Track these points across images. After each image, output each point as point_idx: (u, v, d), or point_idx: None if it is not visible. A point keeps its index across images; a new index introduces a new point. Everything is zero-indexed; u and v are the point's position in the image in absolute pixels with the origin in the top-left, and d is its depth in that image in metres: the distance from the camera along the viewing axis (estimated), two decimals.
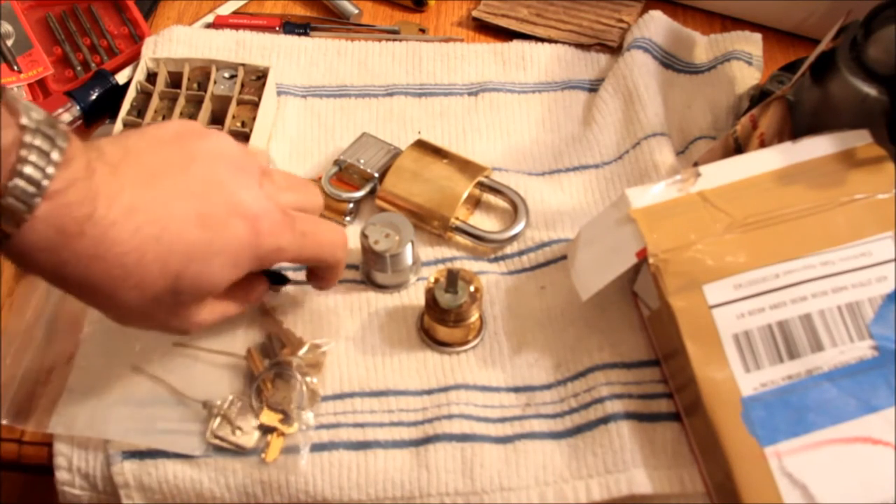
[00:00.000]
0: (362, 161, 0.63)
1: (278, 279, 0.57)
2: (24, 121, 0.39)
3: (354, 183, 0.63)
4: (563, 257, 0.60)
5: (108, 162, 0.43)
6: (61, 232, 0.40)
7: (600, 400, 0.53)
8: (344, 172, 0.63)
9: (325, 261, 0.53)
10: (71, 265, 0.42)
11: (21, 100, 0.40)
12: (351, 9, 0.76)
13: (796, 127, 0.58)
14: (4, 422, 0.54)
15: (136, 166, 0.44)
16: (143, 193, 0.44)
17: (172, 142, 0.47)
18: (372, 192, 0.63)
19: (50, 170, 0.39)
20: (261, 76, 0.66)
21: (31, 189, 0.39)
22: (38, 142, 0.39)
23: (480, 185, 0.63)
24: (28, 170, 0.39)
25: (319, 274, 0.55)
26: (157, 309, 0.46)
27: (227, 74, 0.67)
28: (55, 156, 0.39)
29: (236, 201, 0.46)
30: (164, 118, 0.65)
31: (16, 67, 0.69)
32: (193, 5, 0.77)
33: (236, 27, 0.74)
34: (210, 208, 0.46)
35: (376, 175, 0.63)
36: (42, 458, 0.54)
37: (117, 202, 0.42)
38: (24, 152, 0.39)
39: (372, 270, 0.59)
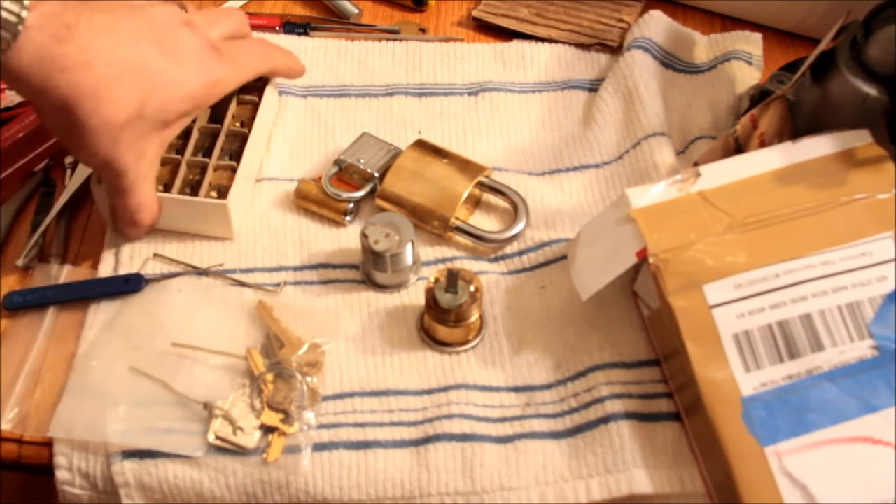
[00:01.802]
0: (362, 161, 0.63)
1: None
2: None
3: (354, 183, 0.63)
4: (563, 257, 0.60)
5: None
6: (54, 37, 0.47)
7: (600, 400, 0.53)
8: (344, 172, 0.63)
9: (266, 73, 0.63)
10: (64, 73, 0.48)
11: None
12: (351, 9, 0.76)
13: (796, 127, 0.58)
14: (5, 426, 0.54)
15: (101, 5, 0.52)
16: (115, 22, 0.51)
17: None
18: (372, 192, 0.63)
19: None
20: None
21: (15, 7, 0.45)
22: None
23: (480, 184, 0.63)
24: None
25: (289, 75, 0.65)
26: (124, 132, 0.52)
27: None
28: None
29: (183, 39, 0.55)
30: None
31: None
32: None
33: None
34: (168, 42, 0.54)
35: (376, 175, 0.63)
36: (42, 458, 0.54)
37: (96, 20, 0.50)
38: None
39: (372, 270, 0.59)
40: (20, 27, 0.45)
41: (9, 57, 0.46)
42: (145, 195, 0.57)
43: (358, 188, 0.63)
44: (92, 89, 0.50)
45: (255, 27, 0.74)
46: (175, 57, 0.54)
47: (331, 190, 0.62)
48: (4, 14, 0.45)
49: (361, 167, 0.63)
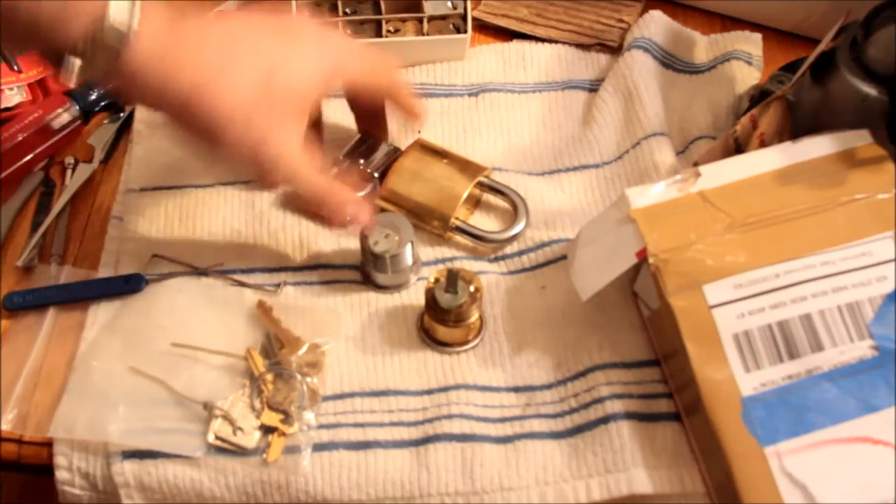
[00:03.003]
0: (362, 161, 0.63)
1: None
2: None
3: (355, 183, 0.63)
4: (563, 257, 0.60)
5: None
6: (166, 36, 0.47)
7: (600, 400, 0.53)
8: (344, 173, 0.63)
9: (390, 75, 0.59)
10: (180, 72, 0.47)
11: None
12: None
13: (796, 127, 0.58)
14: (5, 427, 0.54)
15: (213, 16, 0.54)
16: (222, 18, 0.52)
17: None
18: (372, 193, 0.63)
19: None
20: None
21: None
22: None
23: (480, 184, 0.63)
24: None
25: (396, 97, 0.60)
26: (255, 113, 0.50)
27: None
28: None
29: (298, 24, 0.55)
30: None
31: (16, 67, 0.69)
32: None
33: None
34: (281, 29, 0.52)
35: (376, 175, 0.63)
36: (42, 458, 0.54)
37: (203, 27, 0.50)
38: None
39: (372, 271, 0.59)
40: (131, 37, 0.45)
41: (125, 61, 0.46)
42: (312, 179, 0.54)
43: (358, 189, 0.63)
44: (210, 79, 0.48)
45: None
46: (292, 38, 0.52)
47: None
48: (116, 23, 0.45)
49: (361, 168, 0.63)
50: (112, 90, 0.51)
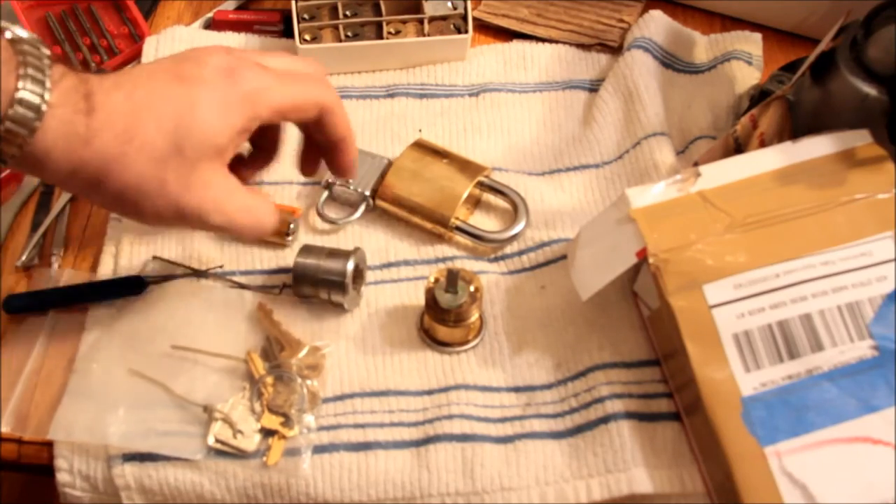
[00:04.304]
0: (351, 183, 0.62)
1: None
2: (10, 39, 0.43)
3: (349, 203, 0.63)
4: (563, 257, 0.60)
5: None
6: (76, 111, 0.44)
7: (600, 399, 0.53)
8: (335, 197, 0.63)
9: (319, 102, 0.51)
10: (88, 146, 0.44)
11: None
12: None
13: (796, 127, 0.58)
14: (5, 429, 0.54)
15: (114, 72, 0.48)
16: (126, 74, 0.47)
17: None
18: (368, 209, 0.63)
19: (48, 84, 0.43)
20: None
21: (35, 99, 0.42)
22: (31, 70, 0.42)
23: (480, 184, 0.63)
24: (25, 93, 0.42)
25: (329, 136, 0.53)
26: (167, 175, 0.46)
27: None
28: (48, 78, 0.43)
29: (209, 61, 0.49)
30: None
31: None
32: (193, 5, 0.77)
33: (236, 22, 0.74)
34: (185, 70, 0.48)
35: (367, 193, 0.62)
36: (42, 458, 0.54)
37: (107, 80, 0.46)
38: (20, 83, 0.42)
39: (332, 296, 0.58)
40: (44, 107, 0.42)
41: (35, 141, 0.43)
42: (252, 213, 0.50)
43: (353, 209, 0.63)
44: (117, 146, 0.45)
45: (255, 22, 0.74)
46: (197, 78, 0.48)
47: (326, 215, 0.62)
48: (27, 96, 0.42)
49: (351, 191, 0.62)
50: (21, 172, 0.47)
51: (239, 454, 0.52)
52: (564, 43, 0.73)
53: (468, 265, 0.60)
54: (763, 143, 0.58)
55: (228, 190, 0.49)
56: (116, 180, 0.46)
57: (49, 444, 0.53)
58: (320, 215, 0.62)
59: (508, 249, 0.61)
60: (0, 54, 0.42)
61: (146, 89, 0.47)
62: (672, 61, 0.71)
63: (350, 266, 0.56)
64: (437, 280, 0.55)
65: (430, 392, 0.55)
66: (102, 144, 0.45)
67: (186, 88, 0.47)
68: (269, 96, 0.49)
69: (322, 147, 0.54)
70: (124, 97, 0.46)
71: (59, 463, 0.53)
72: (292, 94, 0.50)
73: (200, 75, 0.48)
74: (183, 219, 0.48)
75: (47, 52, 0.44)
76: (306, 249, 0.58)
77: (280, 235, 0.61)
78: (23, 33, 0.44)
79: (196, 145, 0.47)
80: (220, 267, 0.60)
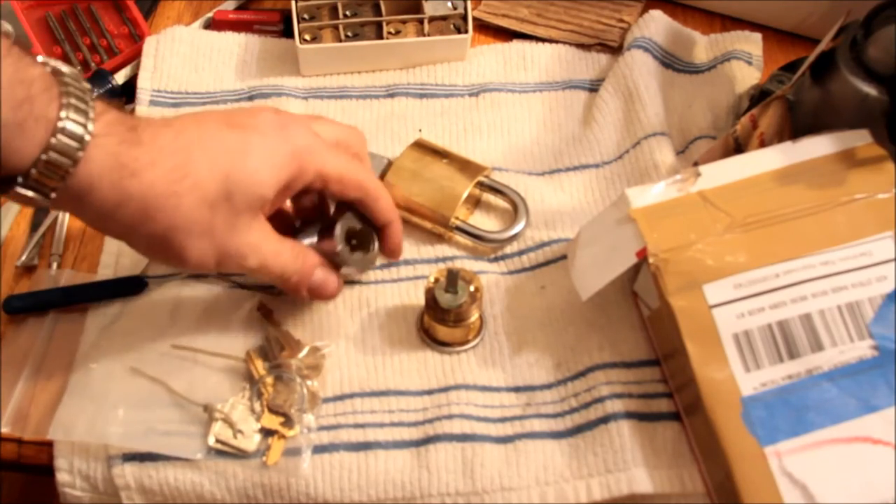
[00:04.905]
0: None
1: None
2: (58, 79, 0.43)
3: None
4: (563, 257, 0.60)
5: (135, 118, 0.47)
6: (121, 141, 0.43)
7: (600, 399, 0.53)
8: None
9: (363, 185, 0.52)
10: (134, 178, 0.43)
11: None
12: None
13: (796, 127, 0.58)
14: (5, 429, 0.54)
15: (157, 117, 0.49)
16: (172, 119, 0.47)
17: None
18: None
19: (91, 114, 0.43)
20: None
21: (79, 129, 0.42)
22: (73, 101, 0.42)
23: (480, 184, 0.63)
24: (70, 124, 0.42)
25: (374, 220, 0.54)
26: (215, 219, 0.47)
27: None
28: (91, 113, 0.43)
29: (261, 116, 0.49)
30: None
31: None
32: (193, 5, 0.77)
33: (236, 22, 0.74)
34: (235, 118, 0.49)
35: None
36: (42, 458, 0.54)
37: (150, 119, 0.46)
38: (63, 112, 0.42)
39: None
40: (87, 137, 0.42)
41: (78, 172, 0.42)
42: (280, 258, 0.51)
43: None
44: (167, 183, 0.44)
45: (255, 22, 0.74)
46: (250, 127, 0.48)
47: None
48: (70, 125, 0.41)
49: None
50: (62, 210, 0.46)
51: (239, 454, 0.52)
52: (564, 43, 0.73)
53: (468, 265, 0.60)
54: (763, 143, 0.58)
55: (264, 236, 0.50)
56: (164, 219, 0.45)
57: (49, 444, 0.53)
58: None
59: (508, 249, 0.61)
60: (37, 81, 0.41)
61: (197, 131, 0.47)
62: (672, 61, 0.71)
63: (337, 232, 0.54)
64: (437, 280, 0.55)
65: (429, 392, 0.55)
66: (152, 179, 0.44)
67: (239, 135, 0.48)
68: (317, 159, 0.50)
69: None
70: (174, 135, 0.45)
71: (59, 463, 0.53)
72: (337, 165, 0.51)
73: (253, 124, 0.48)
74: (223, 263, 0.49)
75: (88, 85, 0.43)
76: (299, 230, 0.57)
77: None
78: (63, 67, 0.43)
79: (244, 195, 0.47)
80: None
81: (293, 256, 0.52)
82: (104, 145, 0.43)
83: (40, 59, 0.43)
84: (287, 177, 0.49)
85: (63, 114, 0.41)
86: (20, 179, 0.42)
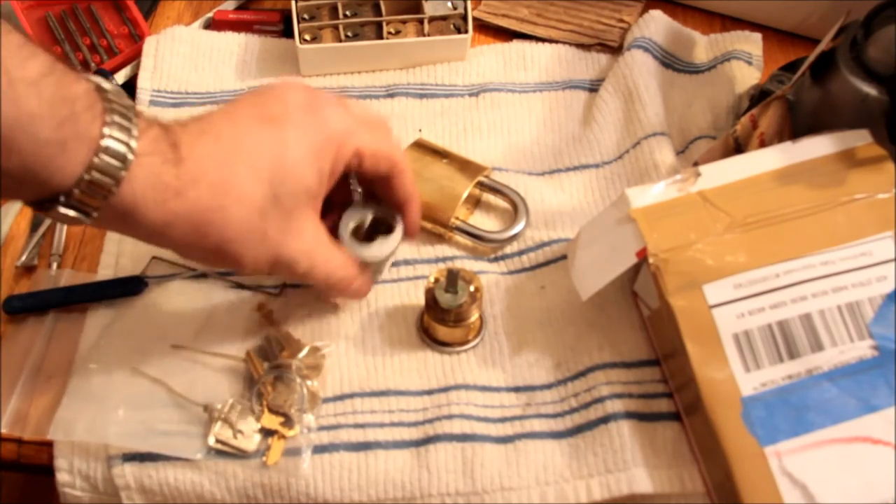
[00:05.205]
0: (352, 184, 0.60)
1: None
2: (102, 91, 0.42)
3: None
4: (563, 257, 0.60)
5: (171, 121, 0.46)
6: (164, 161, 0.42)
7: (600, 399, 0.53)
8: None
9: (392, 157, 0.51)
10: (179, 197, 0.43)
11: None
12: None
13: (796, 127, 0.58)
14: (5, 429, 0.54)
15: (193, 117, 0.47)
16: (209, 119, 0.46)
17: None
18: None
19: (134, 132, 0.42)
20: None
21: (121, 148, 0.41)
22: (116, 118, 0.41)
23: (480, 184, 0.63)
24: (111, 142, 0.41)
25: (395, 196, 0.53)
26: (267, 225, 0.46)
27: None
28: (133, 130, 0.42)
29: (292, 99, 0.48)
30: None
31: None
32: (193, 5, 0.77)
33: (236, 22, 0.74)
34: (269, 110, 0.47)
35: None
36: (42, 458, 0.54)
37: (191, 128, 0.45)
38: (106, 129, 0.41)
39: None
40: (131, 156, 0.41)
41: (121, 191, 0.41)
42: (329, 265, 0.51)
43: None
44: (212, 199, 0.44)
45: (255, 22, 0.74)
46: (283, 118, 0.47)
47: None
48: (113, 144, 0.40)
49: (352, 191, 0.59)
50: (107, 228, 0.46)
51: (239, 454, 0.52)
52: (564, 43, 0.73)
53: (468, 265, 0.60)
54: (763, 143, 0.58)
55: (317, 239, 0.50)
56: (216, 234, 0.45)
57: (49, 444, 0.53)
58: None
59: (508, 249, 0.61)
60: (78, 98, 0.40)
61: (233, 134, 0.46)
62: (672, 61, 0.71)
63: (348, 228, 0.54)
64: (437, 280, 0.55)
65: (429, 392, 0.55)
66: (196, 197, 0.44)
67: (275, 130, 0.47)
68: (355, 139, 0.49)
69: (384, 198, 0.54)
70: (212, 145, 0.45)
71: (59, 463, 0.53)
72: (372, 141, 0.50)
73: (286, 114, 0.47)
74: (276, 267, 0.48)
75: (131, 102, 0.43)
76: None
77: None
78: (105, 84, 0.43)
79: (291, 192, 0.47)
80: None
81: (341, 265, 0.52)
82: (147, 164, 0.42)
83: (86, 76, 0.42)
84: (328, 164, 0.48)
85: (107, 131, 0.41)
86: (62, 199, 0.41)
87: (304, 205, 0.48)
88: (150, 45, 0.71)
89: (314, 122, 0.48)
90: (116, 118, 0.41)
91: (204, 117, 0.47)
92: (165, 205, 0.43)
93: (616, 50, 0.72)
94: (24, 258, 0.61)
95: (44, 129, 0.39)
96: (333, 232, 0.54)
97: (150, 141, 0.42)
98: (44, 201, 0.42)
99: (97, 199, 0.41)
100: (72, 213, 0.42)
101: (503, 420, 0.54)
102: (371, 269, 0.56)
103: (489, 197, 0.64)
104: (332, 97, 0.50)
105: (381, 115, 0.55)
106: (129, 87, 0.70)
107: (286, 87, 0.49)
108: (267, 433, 0.53)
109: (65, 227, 0.63)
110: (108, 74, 0.69)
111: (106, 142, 0.40)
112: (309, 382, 0.54)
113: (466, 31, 0.70)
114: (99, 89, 0.42)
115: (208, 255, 0.47)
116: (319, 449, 0.52)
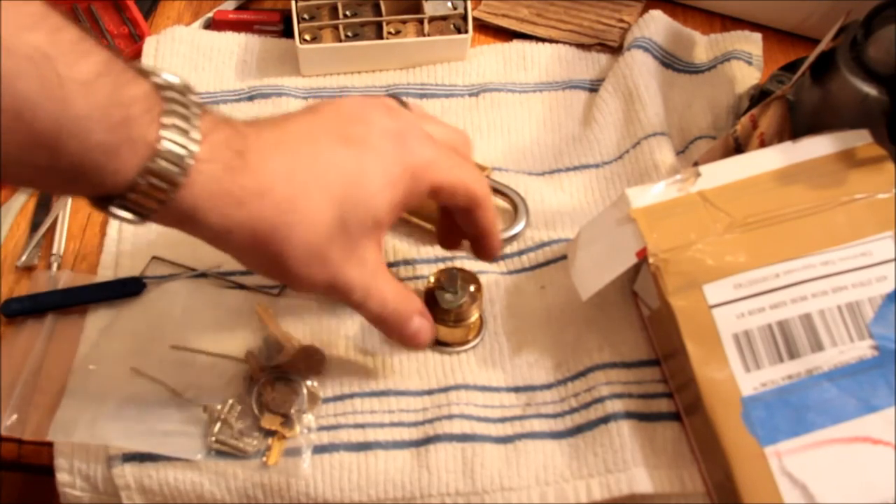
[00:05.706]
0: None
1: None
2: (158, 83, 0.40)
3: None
4: (563, 257, 0.60)
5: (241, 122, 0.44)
6: (227, 168, 0.41)
7: (600, 399, 0.53)
8: None
9: (472, 192, 0.49)
10: (242, 207, 0.42)
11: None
12: None
13: (796, 127, 0.58)
14: (4, 432, 0.54)
15: (269, 121, 0.46)
16: (285, 131, 0.44)
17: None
18: None
19: (195, 122, 0.40)
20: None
21: (182, 139, 0.39)
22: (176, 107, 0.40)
23: None
24: (171, 133, 0.39)
25: (475, 228, 0.51)
26: (330, 249, 0.45)
27: None
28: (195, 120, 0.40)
29: (376, 122, 0.47)
30: None
31: None
32: (193, 5, 0.77)
33: (236, 22, 0.74)
34: (351, 130, 0.46)
35: None
36: (42, 458, 0.54)
37: (264, 137, 0.43)
38: (164, 132, 0.39)
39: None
40: (190, 161, 0.39)
41: (179, 195, 0.40)
42: (384, 296, 0.49)
43: None
44: (277, 215, 0.42)
45: (255, 22, 0.74)
46: (365, 143, 0.45)
47: None
48: (171, 147, 0.39)
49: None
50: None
51: (239, 454, 0.52)
52: (564, 43, 0.73)
53: (468, 265, 0.60)
54: (763, 143, 0.58)
55: (377, 270, 0.48)
56: (275, 248, 0.43)
57: (49, 444, 0.53)
58: None
59: (508, 249, 0.61)
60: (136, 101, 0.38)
61: (311, 153, 0.44)
62: (672, 61, 0.71)
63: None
64: (437, 280, 0.55)
65: (430, 392, 0.55)
66: (260, 209, 0.42)
67: (354, 154, 0.45)
68: (433, 173, 0.47)
69: (463, 229, 0.53)
70: (286, 159, 0.43)
71: (59, 463, 0.53)
72: (451, 175, 0.48)
73: (368, 139, 0.46)
74: (331, 291, 0.47)
75: (196, 99, 0.41)
76: None
77: None
78: (172, 78, 0.41)
79: (360, 220, 0.45)
80: (219, 266, 0.60)
81: (397, 299, 0.50)
82: (208, 171, 0.40)
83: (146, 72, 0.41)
84: (402, 195, 0.46)
85: (164, 134, 0.39)
86: (116, 200, 0.40)
87: (370, 234, 0.46)
88: (150, 45, 0.71)
89: (395, 151, 0.46)
90: (175, 121, 0.39)
91: (280, 124, 0.45)
92: (226, 212, 0.41)
93: (616, 50, 0.72)
94: (24, 258, 0.61)
95: (95, 133, 0.37)
96: None
97: (214, 145, 0.41)
98: (100, 198, 0.41)
99: (153, 202, 0.40)
100: (127, 214, 0.41)
101: (503, 420, 0.54)
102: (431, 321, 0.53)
103: None
104: (415, 122, 0.49)
105: (463, 132, 0.53)
106: None
107: (371, 108, 0.48)
108: (267, 433, 0.53)
109: (65, 227, 0.63)
110: None
111: (163, 145, 0.39)
112: (309, 382, 0.54)
113: (466, 31, 0.70)
114: (161, 87, 0.40)
115: (265, 267, 0.46)
116: (319, 449, 0.52)
